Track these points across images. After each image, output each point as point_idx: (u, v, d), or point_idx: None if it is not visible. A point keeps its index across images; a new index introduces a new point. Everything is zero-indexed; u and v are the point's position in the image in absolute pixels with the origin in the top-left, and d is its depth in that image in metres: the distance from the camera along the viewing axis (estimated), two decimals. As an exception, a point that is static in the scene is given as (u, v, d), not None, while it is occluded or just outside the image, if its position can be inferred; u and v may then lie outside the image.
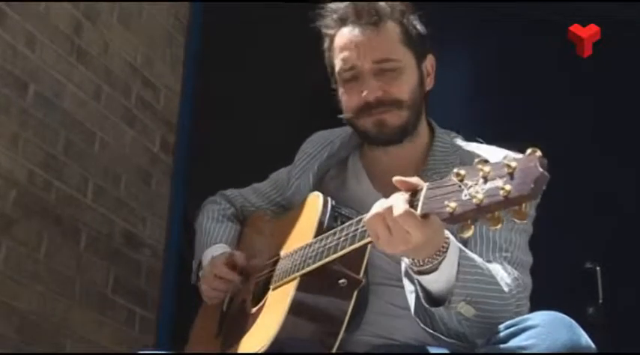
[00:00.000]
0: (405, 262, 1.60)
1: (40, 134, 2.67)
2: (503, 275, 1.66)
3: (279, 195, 2.17)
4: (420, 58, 1.92)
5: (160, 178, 3.17)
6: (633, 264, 3.32)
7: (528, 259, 1.79)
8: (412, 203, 1.43)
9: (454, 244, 1.55)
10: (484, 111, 3.50)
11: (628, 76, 3.57)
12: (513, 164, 1.25)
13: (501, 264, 1.70)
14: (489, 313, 1.58)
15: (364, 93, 1.86)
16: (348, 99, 1.90)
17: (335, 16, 1.92)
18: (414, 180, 1.46)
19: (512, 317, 1.62)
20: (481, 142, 1.36)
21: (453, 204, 1.32)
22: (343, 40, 1.90)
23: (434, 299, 1.59)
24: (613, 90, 3.59)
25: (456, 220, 1.34)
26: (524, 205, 1.25)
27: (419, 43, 1.92)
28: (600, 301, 3.16)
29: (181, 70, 3.36)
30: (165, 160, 3.21)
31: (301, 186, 2.04)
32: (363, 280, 1.70)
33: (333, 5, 1.93)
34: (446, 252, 1.52)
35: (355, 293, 1.69)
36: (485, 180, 1.28)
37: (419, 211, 1.41)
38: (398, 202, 1.44)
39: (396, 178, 1.48)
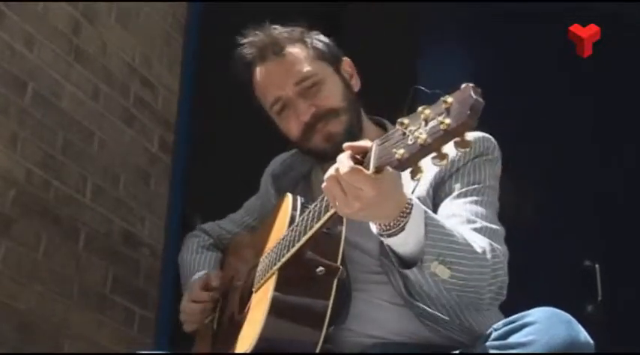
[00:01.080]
0: (373, 230, 1.61)
1: (39, 134, 2.66)
2: (474, 238, 1.67)
3: (253, 220, 2.25)
4: (335, 65, 2.01)
5: (159, 178, 3.17)
6: (632, 262, 3.33)
7: (499, 228, 1.79)
8: (365, 162, 1.45)
9: (418, 206, 1.58)
10: (484, 111, 3.49)
11: (628, 76, 3.57)
12: (449, 100, 1.28)
13: (471, 232, 1.71)
14: (465, 275, 1.60)
15: (300, 117, 1.92)
16: (288, 129, 1.98)
17: (243, 61, 2.02)
18: (362, 142, 1.50)
19: (490, 286, 1.65)
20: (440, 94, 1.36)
21: (401, 151, 1.34)
22: (259, 79, 2.00)
23: (407, 264, 1.61)
24: (613, 90, 3.59)
25: (406, 165, 1.35)
26: (465, 135, 1.27)
27: (327, 52, 2.01)
28: (599, 299, 3.16)
29: (179, 69, 3.37)
30: (164, 160, 3.21)
31: (266, 198, 2.13)
32: (341, 267, 1.69)
33: (238, 53, 2.03)
34: (410, 213, 1.54)
35: (335, 282, 1.68)
36: (427, 121, 1.30)
37: (372, 168, 1.43)
38: (342, 160, 1.47)
39: (345, 145, 1.50)
